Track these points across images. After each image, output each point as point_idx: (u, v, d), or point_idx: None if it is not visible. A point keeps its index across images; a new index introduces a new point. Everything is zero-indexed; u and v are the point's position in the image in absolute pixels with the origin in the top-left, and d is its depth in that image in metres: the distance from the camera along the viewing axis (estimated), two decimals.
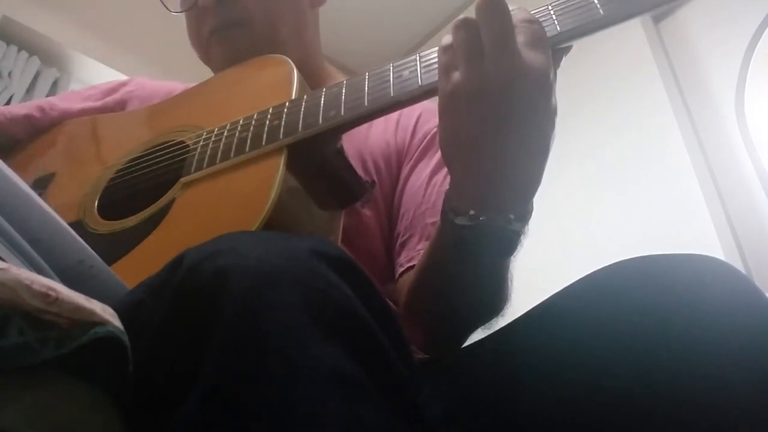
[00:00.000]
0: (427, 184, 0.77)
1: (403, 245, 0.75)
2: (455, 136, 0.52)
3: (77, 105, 0.90)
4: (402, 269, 0.73)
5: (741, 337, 0.42)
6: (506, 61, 0.48)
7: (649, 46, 2.05)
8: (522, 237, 0.55)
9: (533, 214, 0.55)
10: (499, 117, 0.49)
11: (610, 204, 1.97)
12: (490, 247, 0.54)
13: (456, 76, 0.50)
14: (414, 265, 0.71)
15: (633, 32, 2.05)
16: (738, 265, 1.66)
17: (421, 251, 0.71)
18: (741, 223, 1.78)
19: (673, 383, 0.41)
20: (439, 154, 0.80)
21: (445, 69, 0.51)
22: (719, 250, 1.70)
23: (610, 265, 0.51)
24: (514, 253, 0.56)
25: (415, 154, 0.81)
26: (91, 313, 0.34)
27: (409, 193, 0.78)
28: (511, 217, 0.52)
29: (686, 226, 1.80)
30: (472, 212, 0.52)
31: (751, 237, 1.75)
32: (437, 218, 0.73)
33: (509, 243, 0.54)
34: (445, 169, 0.78)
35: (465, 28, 0.50)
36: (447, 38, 0.52)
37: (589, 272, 0.53)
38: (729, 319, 0.43)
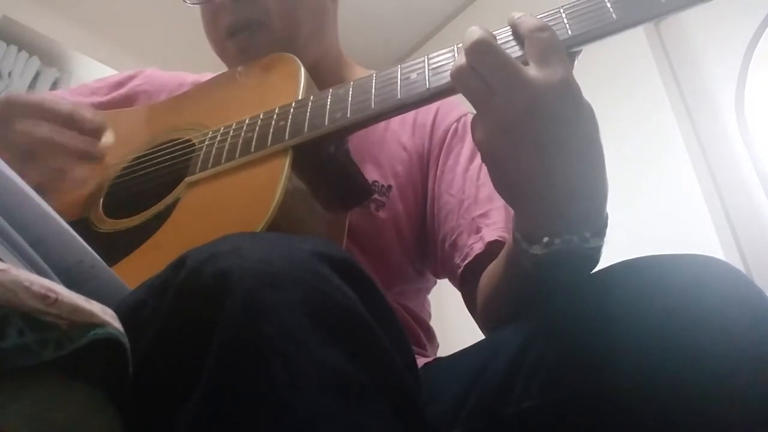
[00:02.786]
0: (463, 181, 0.76)
1: (453, 245, 0.74)
2: (504, 177, 0.50)
3: (85, 100, 0.89)
4: (460, 270, 0.72)
5: (741, 337, 0.42)
6: (517, 91, 0.46)
7: (649, 46, 2.05)
8: (601, 251, 0.52)
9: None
10: (535, 144, 0.47)
11: (609, 204, 1.96)
12: (570, 268, 0.52)
13: (479, 122, 0.49)
14: (470, 263, 0.70)
15: (633, 32, 2.03)
16: (738, 265, 1.66)
17: (474, 246, 0.71)
18: (741, 223, 1.78)
19: (672, 383, 0.41)
20: (466, 146, 0.80)
21: (472, 124, 0.50)
22: (719, 250, 1.70)
23: (610, 266, 0.51)
24: (594, 268, 0.54)
25: (441, 155, 0.80)
26: (91, 314, 0.34)
27: (447, 196, 0.76)
28: (587, 235, 0.49)
29: (686, 226, 1.80)
30: (545, 239, 0.49)
31: (751, 237, 1.75)
32: (481, 210, 0.73)
33: (589, 261, 0.52)
34: (478, 158, 0.78)
35: (464, 77, 0.48)
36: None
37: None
38: (729, 319, 0.43)
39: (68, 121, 0.64)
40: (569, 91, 0.47)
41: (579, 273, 0.53)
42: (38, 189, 0.63)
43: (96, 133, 0.67)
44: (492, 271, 0.64)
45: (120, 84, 0.92)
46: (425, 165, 0.81)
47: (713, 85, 1.96)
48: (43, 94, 0.71)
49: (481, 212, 0.73)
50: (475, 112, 0.49)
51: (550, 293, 0.54)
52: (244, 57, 0.78)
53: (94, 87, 0.92)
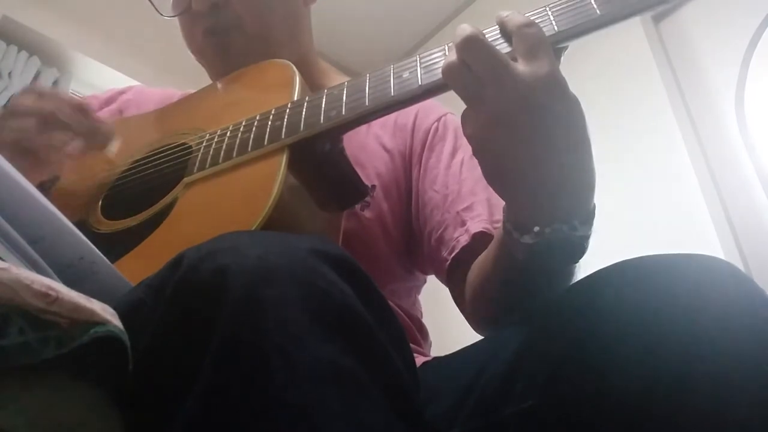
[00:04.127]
0: (445, 177, 0.77)
1: (439, 240, 0.75)
2: (495, 170, 0.51)
3: None
4: (447, 263, 0.73)
5: (742, 337, 0.42)
6: (507, 85, 0.47)
7: (649, 46, 2.05)
8: (589, 240, 0.53)
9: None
10: (524, 137, 0.48)
11: (609, 204, 1.96)
12: (559, 256, 0.53)
13: (469, 117, 0.50)
14: (457, 255, 0.71)
15: (633, 32, 2.05)
16: (738, 265, 1.66)
17: (459, 238, 0.72)
18: (741, 223, 1.78)
19: (673, 383, 0.41)
20: (447, 144, 0.81)
21: (463, 119, 0.51)
22: (719, 250, 1.70)
23: (609, 266, 0.51)
24: (583, 256, 0.55)
25: (423, 154, 0.81)
26: (92, 312, 0.34)
27: (431, 192, 0.78)
28: (576, 223, 0.51)
29: (686, 226, 1.80)
30: (536, 229, 0.51)
31: (751, 237, 1.75)
32: (465, 204, 0.74)
33: (578, 249, 0.53)
34: (459, 155, 0.79)
35: (455, 72, 0.49)
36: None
37: (589, 272, 0.54)
38: (730, 318, 0.43)
39: (79, 108, 0.68)
40: (556, 84, 0.48)
41: (569, 261, 0.55)
42: (46, 163, 0.65)
43: (103, 127, 0.70)
44: (482, 262, 0.66)
45: (110, 99, 0.94)
46: (408, 165, 0.82)
47: (713, 85, 1.96)
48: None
49: (465, 206, 0.75)
50: (455, 112, 0.50)
51: (541, 284, 0.55)
52: (222, 58, 0.81)
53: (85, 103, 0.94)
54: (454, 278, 0.74)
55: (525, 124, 0.48)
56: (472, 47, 0.48)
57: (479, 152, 0.51)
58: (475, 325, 0.71)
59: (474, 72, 0.49)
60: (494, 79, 0.48)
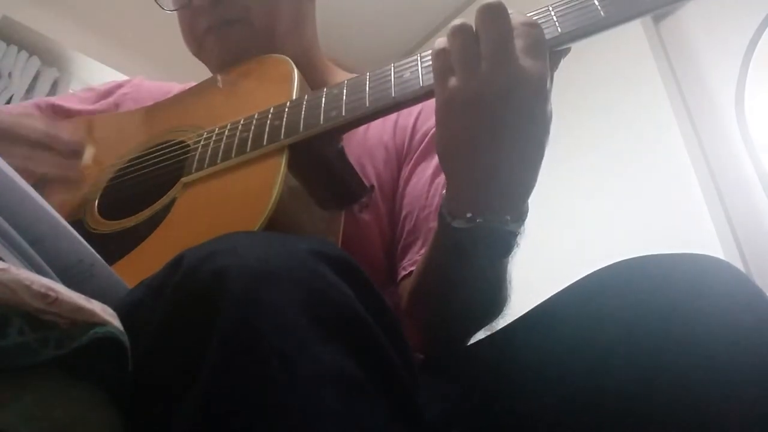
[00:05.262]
0: (429, 186, 0.77)
1: (405, 249, 0.75)
2: (451, 141, 0.52)
3: (74, 107, 0.89)
4: (404, 273, 0.73)
5: (741, 337, 0.42)
6: (504, 68, 0.48)
7: (649, 46, 2.05)
8: (519, 237, 0.55)
9: (530, 214, 0.55)
10: (494, 123, 0.49)
11: (609, 204, 1.97)
12: (488, 249, 0.55)
13: (452, 81, 0.50)
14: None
15: (633, 32, 2.05)
16: (738, 265, 1.66)
17: None
18: (741, 223, 1.78)
19: (672, 383, 0.41)
20: None
21: (442, 74, 0.51)
22: (719, 250, 1.70)
23: (610, 265, 0.51)
24: (512, 254, 0.57)
25: (416, 154, 0.80)
26: (91, 313, 0.34)
27: (411, 195, 0.77)
28: (508, 218, 0.52)
29: (686, 226, 1.80)
30: (469, 215, 0.52)
31: (751, 237, 1.75)
32: None
33: (506, 244, 0.55)
34: None
35: (463, 33, 0.50)
36: (440, 42, 0.52)
37: (588, 272, 0.54)
38: (729, 318, 0.43)
39: (42, 144, 0.65)
40: (543, 90, 0.49)
41: (496, 255, 0.56)
42: None
43: (73, 154, 0.67)
44: (421, 259, 0.67)
45: (108, 93, 0.93)
46: (401, 163, 0.82)
47: (713, 85, 1.96)
48: (17, 117, 0.69)
49: None
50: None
51: (472, 279, 0.57)
52: (223, 52, 0.78)
53: (82, 96, 0.93)
54: (403, 285, 0.73)
55: (501, 114, 0.48)
56: (494, 12, 0.49)
57: (443, 123, 0.52)
58: (409, 327, 0.69)
59: (482, 42, 0.49)
60: (497, 55, 0.48)
